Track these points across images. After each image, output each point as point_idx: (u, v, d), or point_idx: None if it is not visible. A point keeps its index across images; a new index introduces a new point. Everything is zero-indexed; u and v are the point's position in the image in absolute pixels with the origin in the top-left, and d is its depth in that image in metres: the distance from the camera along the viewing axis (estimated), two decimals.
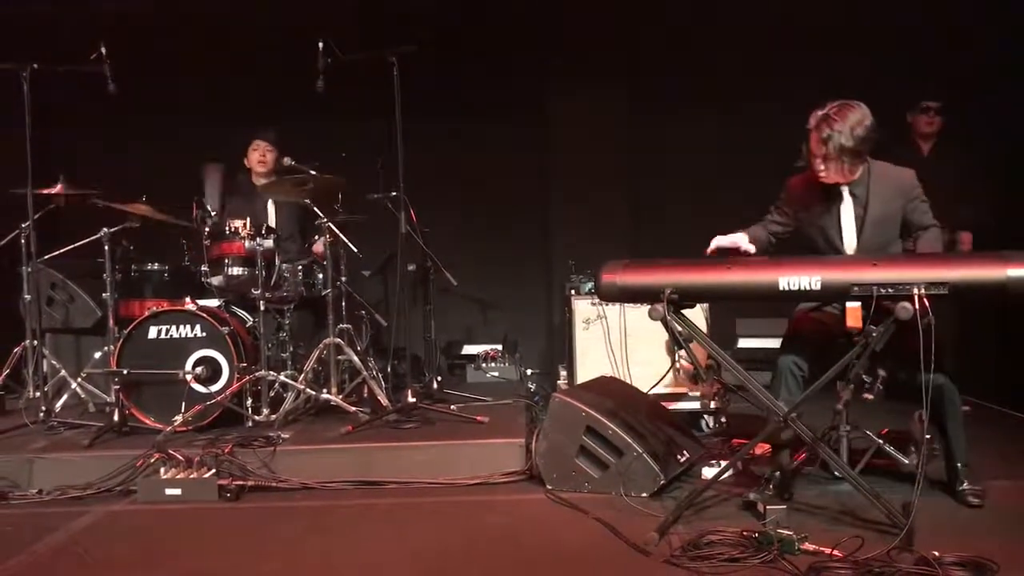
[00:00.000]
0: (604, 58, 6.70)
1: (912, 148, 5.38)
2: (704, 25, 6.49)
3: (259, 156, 5.54)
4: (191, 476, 4.05)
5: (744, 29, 6.41)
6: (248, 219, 5.03)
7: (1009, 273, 3.15)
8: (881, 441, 3.70)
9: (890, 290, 3.22)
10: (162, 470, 4.10)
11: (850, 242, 3.80)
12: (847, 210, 3.80)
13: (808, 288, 3.35)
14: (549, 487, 3.98)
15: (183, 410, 4.62)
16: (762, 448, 4.22)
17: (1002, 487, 3.79)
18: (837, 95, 3.73)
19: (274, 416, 4.76)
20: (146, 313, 4.86)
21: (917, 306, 3.13)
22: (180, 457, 4.14)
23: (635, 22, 6.58)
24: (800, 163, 3.93)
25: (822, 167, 3.72)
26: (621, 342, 5.23)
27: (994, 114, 5.79)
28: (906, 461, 3.56)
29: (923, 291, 3.16)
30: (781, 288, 3.39)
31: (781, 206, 3.99)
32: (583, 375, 5.19)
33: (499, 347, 6.67)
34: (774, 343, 6.06)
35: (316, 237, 5.34)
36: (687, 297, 3.63)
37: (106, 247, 4.91)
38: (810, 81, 6.03)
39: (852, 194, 3.79)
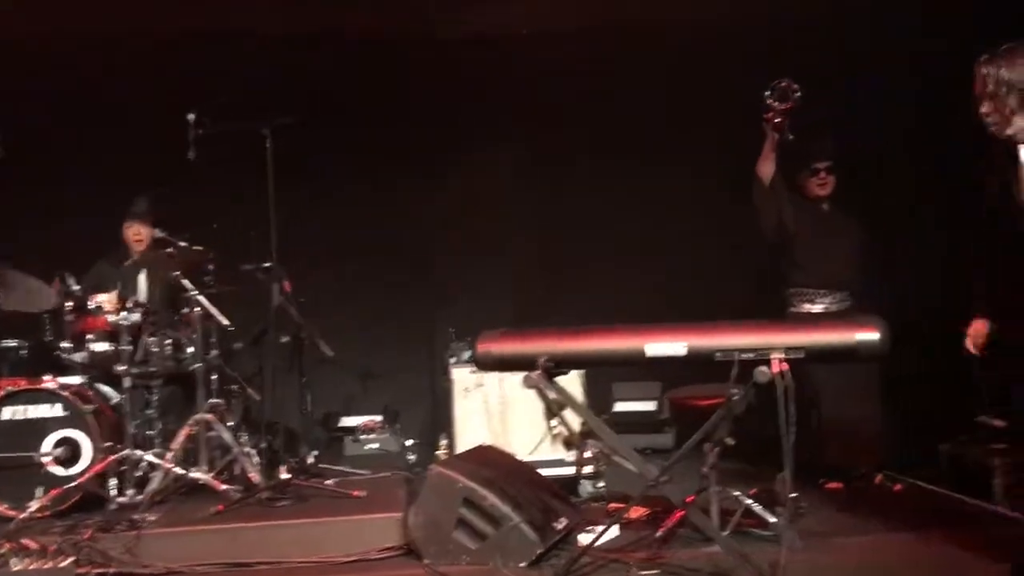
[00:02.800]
0: (489, 126, 6.81)
1: (811, 202, 5.19)
2: (588, 103, 6.67)
3: (133, 234, 5.43)
4: (46, 566, 3.81)
5: (629, 101, 6.62)
6: (115, 292, 4.87)
7: (858, 337, 3.34)
8: (749, 501, 3.82)
9: (752, 355, 3.35)
10: (13, 561, 3.85)
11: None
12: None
13: (673, 354, 3.46)
14: (427, 561, 3.92)
15: (40, 495, 4.38)
16: (638, 512, 4.28)
17: (862, 543, 3.93)
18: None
19: (140, 497, 4.55)
20: (0, 393, 4.62)
21: (775, 369, 3.26)
22: (35, 546, 3.90)
23: (526, 90, 6.72)
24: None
25: (984, 110, 3.33)
26: (500, 410, 5.24)
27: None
28: (772, 520, 3.67)
29: (782, 355, 3.31)
30: (648, 354, 3.49)
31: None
32: (463, 444, 5.17)
33: (379, 418, 6.57)
34: (650, 406, 6.32)
35: (185, 311, 5.19)
36: (561, 364, 3.70)
37: None
38: (701, 149, 6.37)
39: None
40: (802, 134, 4.66)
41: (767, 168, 4.91)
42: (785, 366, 3.27)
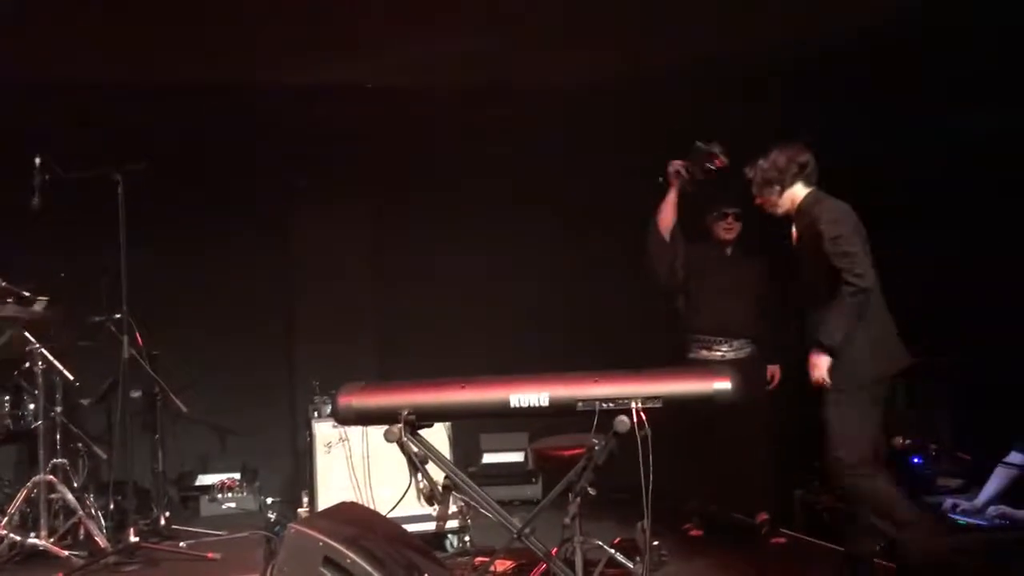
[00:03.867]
0: (348, 181, 6.76)
1: (717, 246, 5.21)
2: (453, 152, 6.74)
3: None
4: None
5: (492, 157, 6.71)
6: None
7: (715, 386, 3.43)
8: (612, 551, 3.84)
9: (611, 404, 3.40)
10: None
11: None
12: (795, 233, 4.20)
13: (537, 404, 3.48)
14: None
15: None
16: (503, 565, 4.25)
17: None
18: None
19: None
20: None
21: (635, 419, 3.31)
22: None
23: (382, 146, 6.72)
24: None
25: (759, 202, 4.19)
26: (364, 465, 5.14)
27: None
28: (632, 567, 3.70)
29: (640, 404, 3.36)
30: (512, 405, 3.49)
31: None
32: (326, 500, 5.04)
33: (237, 476, 6.33)
34: (517, 456, 6.33)
35: (27, 365, 4.89)
36: (425, 417, 3.66)
37: None
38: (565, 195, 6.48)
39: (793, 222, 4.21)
40: (711, 178, 4.81)
41: (668, 217, 5.02)
42: (643, 415, 3.33)
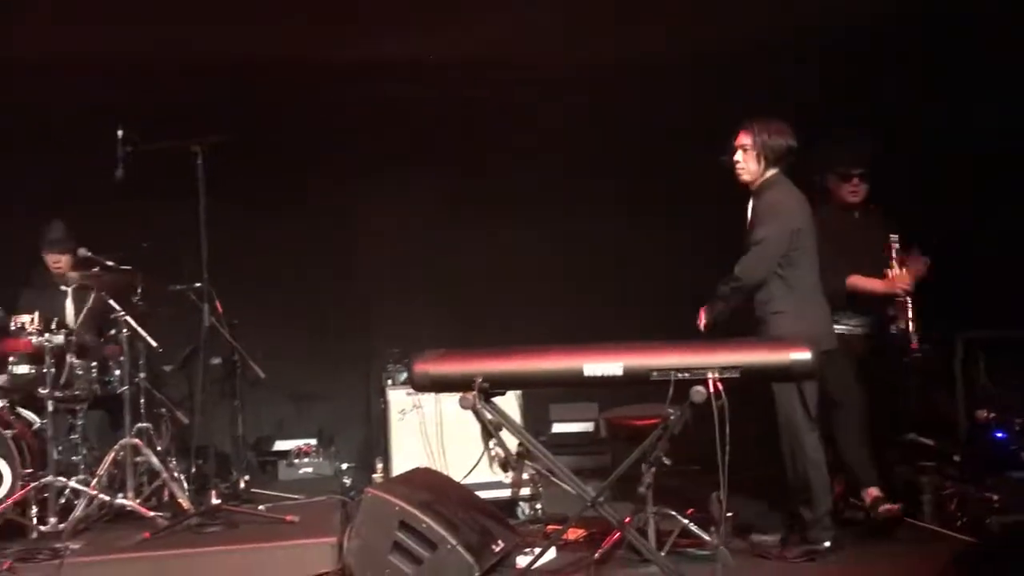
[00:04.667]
0: (418, 146, 6.80)
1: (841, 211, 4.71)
2: (521, 126, 6.71)
3: (53, 261, 5.31)
4: None
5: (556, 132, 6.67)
6: (37, 313, 4.72)
7: (792, 356, 3.39)
8: (686, 521, 3.84)
9: (687, 374, 3.38)
10: None
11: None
12: (750, 208, 4.21)
13: (611, 374, 3.47)
14: None
15: None
16: (576, 533, 4.27)
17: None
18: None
19: (62, 526, 4.39)
20: None
21: (711, 389, 3.29)
22: None
23: (450, 120, 6.73)
24: (724, 157, 4.24)
25: (739, 156, 4.16)
26: (437, 432, 5.20)
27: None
28: (709, 540, 3.69)
29: (716, 375, 3.34)
30: (586, 374, 3.50)
31: None
32: (399, 467, 5.12)
33: (313, 441, 6.47)
34: (587, 427, 6.33)
35: (112, 332, 5.04)
36: (497, 385, 3.69)
37: None
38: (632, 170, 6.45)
39: (753, 194, 4.20)
40: (838, 137, 4.69)
41: None
42: (720, 385, 3.30)
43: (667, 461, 3.52)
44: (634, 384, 3.63)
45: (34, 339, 4.65)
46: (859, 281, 4.54)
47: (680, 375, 3.37)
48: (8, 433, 4.47)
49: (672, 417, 3.37)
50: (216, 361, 5.51)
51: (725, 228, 4.50)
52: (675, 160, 6.27)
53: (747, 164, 4.15)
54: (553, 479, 3.99)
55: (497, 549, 4.09)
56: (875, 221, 4.70)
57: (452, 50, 6.26)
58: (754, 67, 5.95)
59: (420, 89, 6.56)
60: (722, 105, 5.56)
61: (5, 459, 4.43)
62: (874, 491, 4.32)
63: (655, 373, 3.42)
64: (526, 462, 3.96)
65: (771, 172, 4.14)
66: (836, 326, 4.41)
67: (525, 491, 4.96)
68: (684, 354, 3.43)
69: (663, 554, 3.69)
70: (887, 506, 4.24)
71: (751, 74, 5.99)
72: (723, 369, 3.35)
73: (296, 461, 6.27)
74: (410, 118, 6.69)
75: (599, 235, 6.76)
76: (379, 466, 5.47)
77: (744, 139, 4.14)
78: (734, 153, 4.18)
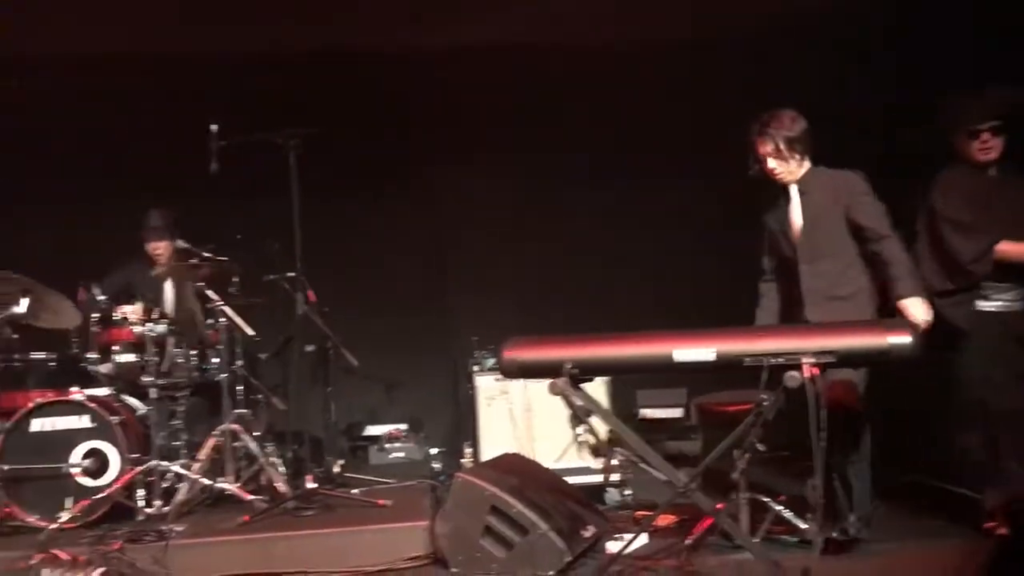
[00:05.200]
0: (498, 134, 6.81)
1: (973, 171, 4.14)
2: (603, 107, 6.66)
3: (152, 248, 5.46)
4: None
5: (640, 112, 6.61)
6: (139, 304, 4.89)
7: (890, 340, 3.29)
8: (780, 508, 3.78)
9: (781, 359, 3.32)
10: (44, 572, 3.87)
11: (797, 232, 4.02)
12: (795, 205, 4.03)
13: (702, 359, 3.43)
14: (454, 570, 3.91)
15: (69, 506, 4.40)
16: (666, 519, 4.25)
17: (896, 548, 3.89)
18: None
19: (167, 508, 4.56)
20: (30, 405, 4.65)
21: (805, 374, 3.22)
22: (65, 557, 3.92)
23: (528, 100, 6.72)
24: (752, 170, 4.09)
25: (773, 163, 3.98)
26: (525, 418, 5.23)
27: None
28: (804, 527, 3.63)
29: (811, 360, 3.27)
30: (676, 360, 3.46)
31: (765, 242, 4.23)
32: (488, 452, 5.16)
33: (403, 427, 6.57)
34: (676, 412, 6.28)
35: (210, 321, 5.19)
36: (586, 371, 3.69)
37: None
38: (716, 156, 6.35)
39: (800, 191, 4.02)
40: (964, 91, 4.28)
41: None
42: (816, 371, 3.23)
43: (760, 447, 3.47)
44: (726, 370, 3.58)
45: (136, 329, 4.81)
46: (1010, 248, 3.92)
47: (774, 360, 3.31)
48: (114, 419, 4.63)
49: (766, 403, 3.31)
50: (310, 349, 5.62)
51: None
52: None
53: (784, 167, 3.99)
54: (643, 465, 3.99)
55: (587, 535, 4.10)
56: (1016, 180, 4.11)
57: (531, 32, 6.26)
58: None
59: (502, 73, 6.56)
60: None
61: (112, 444, 4.61)
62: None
63: (748, 359, 3.36)
64: (615, 448, 3.95)
65: (807, 162, 4.01)
66: (985, 302, 3.97)
67: (614, 477, 4.94)
68: (778, 339, 3.37)
69: (756, 540, 3.64)
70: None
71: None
72: (818, 354, 3.28)
73: (387, 446, 6.37)
74: (494, 103, 6.68)
75: (688, 217, 6.66)
76: (468, 451, 5.52)
77: (766, 147, 3.98)
78: (761, 163, 4.01)
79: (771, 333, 3.44)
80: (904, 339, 3.26)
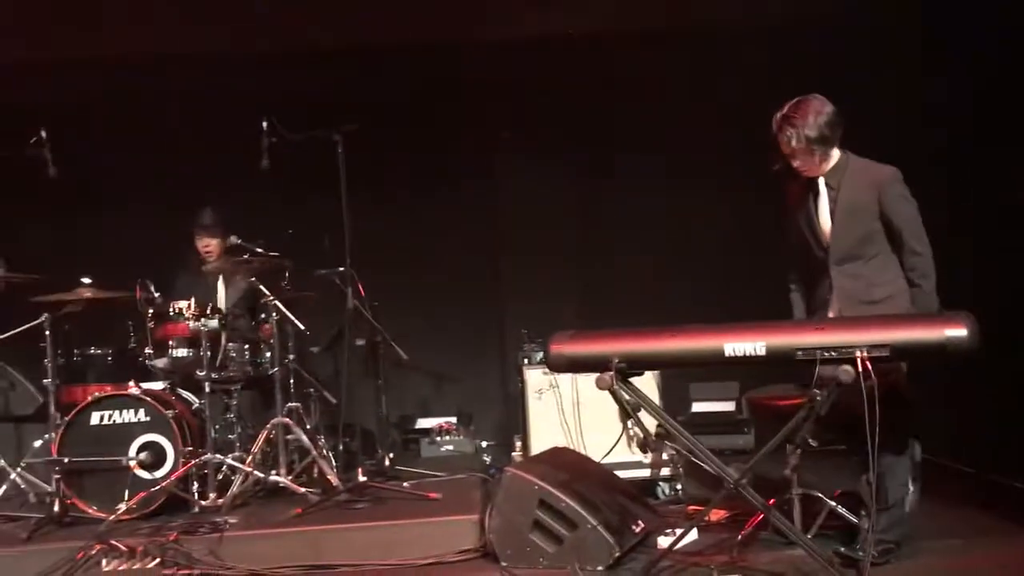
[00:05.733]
0: (554, 132, 6.79)
1: None
2: (657, 102, 6.61)
3: (203, 246, 5.54)
4: (135, 567, 3.90)
5: (694, 106, 6.53)
6: (192, 299, 4.97)
7: (947, 333, 3.20)
8: (834, 503, 3.72)
9: (833, 353, 3.25)
10: (104, 561, 3.95)
11: (826, 230, 3.78)
12: (823, 201, 3.80)
13: (753, 353, 3.38)
14: (504, 564, 3.91)
15: (127, 498, 4.49)
16: (718, 514, 4.20)
17: (953, 546, 3.80)
18: None
19: (221, 500, 4.63)
20: (88, 399, 4.75)
21: (860, 368, 3.16)
22: (123, 547, 4.01)
23: (585, 98, 6.69)
24: (777, 166, 3.88)
25: (797, 163, 3.75)
26: (574, 411, 5.21)
27: None
28: (858, 522, 3.56)
29: (865, 353, 3.20)
30: (727, 354, 3.41)
31: (790, 239, 3.96)
32: (537, 446, 5.15)
33: (453, 420, 6.59)
34: (728, 406, 6.21)
35: (263, 316, 5.25)
36: (635, 365, 3.65)
37: (47, 332, 4.81)
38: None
39: (828, 185, 3.79)
40: None
41: None
42: (869, 365, 3.16)
43: (813, 443, 3.41)
44: (778, 364, 3.52)
45: (191, 324, 4.89)
46: None
47: (826, 354, 3.24)
48: (170, 413, 4.71)
49: (819, 398, 3.25)
50: (360, 343, 5.67)
51: None
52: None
53: (808, 162, 3.74)
54: (694, 460, 3.94)
55: (637, 529, 4.07)
56: None
57: (594, 20, 6.24)
58: None
59: (552, 66, 6.54)
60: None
61: (168, 438, 4.69)
62: None
63: (800, 352, 3.30)
64: (666, 442, 3.92)
65: (836, 152, 3.76)
66: None
67: (665, 471, 4.91)
68: (831, 332, 3.30)
69: (809, 536, 3.58)
70: None
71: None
72: (872, 347, 3.20)
73: (437, 439, 6.40)
74: (543, 96, 6.67)
75: (743, 214, 6.55)
76: (517, 444, 5.52)
77: (789, 146, 3.71)
78: (786, 159, 3.77)
79: (824, 327, 3.37)
80: (960, 332, 3.17)
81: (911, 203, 3.69)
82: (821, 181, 3.79)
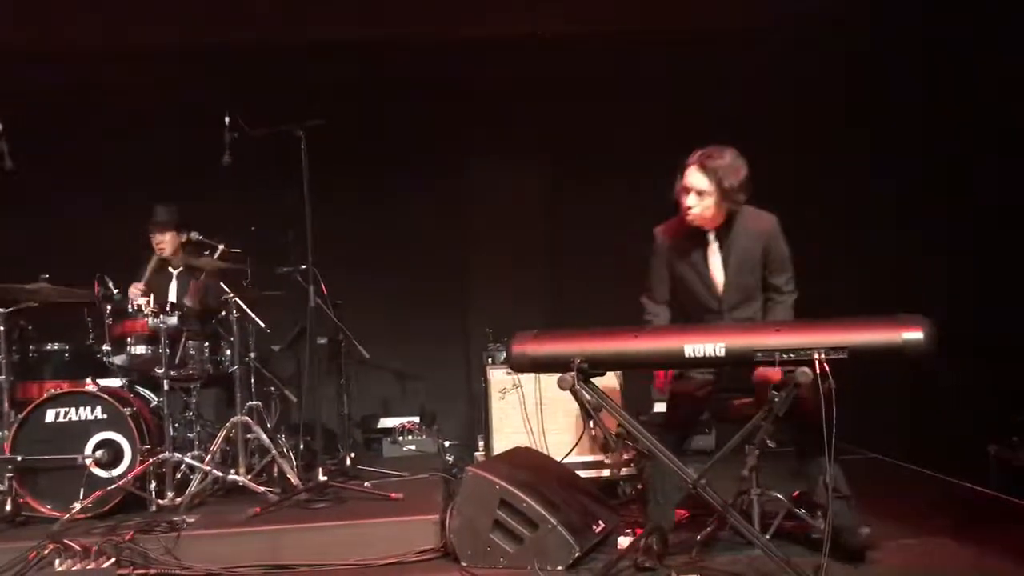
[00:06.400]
0: (523, 132, 6.80)
1: None
2: (622, 101, 6.64)
3: (155, 243, 5.50)
4: (88, 567, 3.85)
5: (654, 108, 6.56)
6: (152, 296, 4.91)
7: (904, 336, 3.25)
8: (791, 505, 3.74)
9: (792, 355, 3.28)
10: (57, 562, 3.89)
11: (718, 282, 3.88)
12: (714, 252, 3.88)
13: (712, 355, 3.40)
14: (464, 564, 3.90)
15: (82, 497, 4.43)
16: (679, 514, 4.22)
17: (908, 545, 3.84)
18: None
19: (179, 499, 4.58)
20: (44, 395, 4.68)
21: (817, 370, 3.19)
22: (77, 547, 3.95)
23: (555, 97, 6.71)
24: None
25: (693, 201, 3.75)
26: (537, 411, 5.22)
27: None
28: (816, 524, 3.59)
29: (823, 355, 3.23)
30: (686, 355, 3.43)
31: (655, 269, 4.03)
32: (500, 445, 5.16)
33: (417, 419, 6.57)
34: None
35: (222, 314, 5.19)
36: (597, 366, 3.66)
37: (0, 328, 4.73)
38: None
39: (717, 238, 3.85)
40: None
41: None
42: (827, 367, 3.19)
43: (771, 444, 3.44)
44: (737, 365, 3.55)
45: (150, 321, 4.83)
46: None
47: (785, 356, 3.27)
48: (127, 411, 4.66)
49: (776, 399, 3.28)
50: (322, 341, 5.64)
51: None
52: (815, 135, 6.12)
53: (708, 211, 3.77)
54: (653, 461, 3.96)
55: (598, 529, 4.08)
56: None
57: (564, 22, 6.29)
58: None
59: (526, 66, 6.56)
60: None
61: (125, 436, 4.63)
62: None
63: (759, 354, 3.33)
64: (626, 442, 3.92)
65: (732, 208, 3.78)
66: None
67: (625, 471, 4.92)
68: (790, 334, 3.33)
69: (767, 537, 3.60)
70: None
71: None
72: (830, 350, 3.24)
73: (400, 439, 6.37)
74: (507, 96, 6.67)
75: None
76: (480, 444, 5.52)
77: (700, 184, 3.73)
78: (679, 196, 3.80)
79: (783, 329, 3.39)
80: (917, 335, 3.21)
81: (786, 249, 3.86)
82: (710, 234, 3.85)
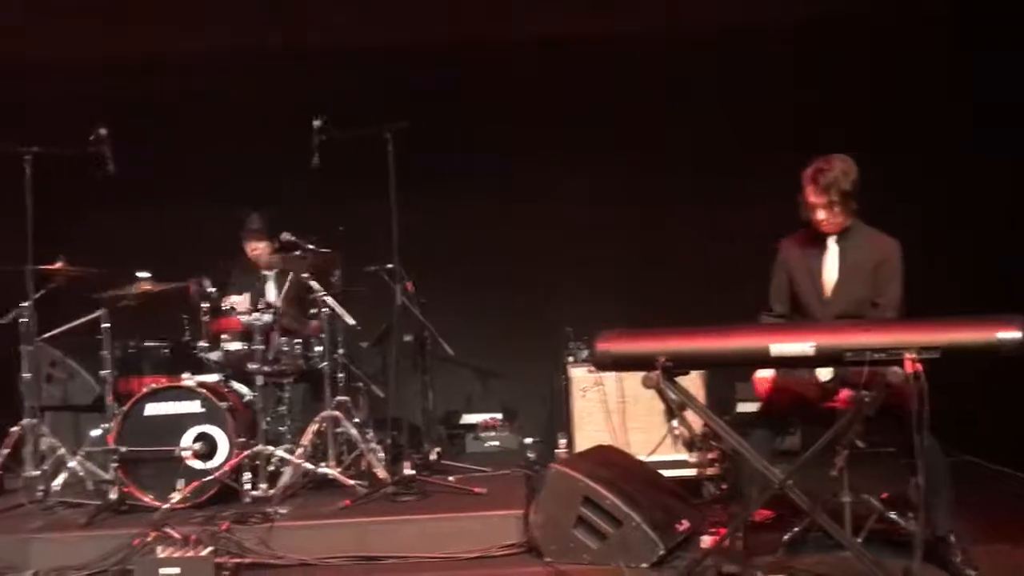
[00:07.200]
0: (600, 130, 6.80)
1: None
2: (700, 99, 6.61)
3: (251, 249, 5.64)
4: (188, 555, 3.99)
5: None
6: (247, 294, 5.06)
7: (999, 336, 3.17)
8: (882, 507, 3.69)
9: (883, 355, 3.23)
10: (159, 549, 4.05)
11: (829, 285, 3.89)
12: (831, 257, 3.89)
13: (801, 354, 3.36)
14: (548, 559, 3.94)
15: (180, 487, 4.60)
16: (762, 515, 4.19)
17: (999, 551, 3.75)
18: None
19: (272, 491, 4.72)
20: (144, 390, 4.87)
21: (909, 370, 3.13)
22: (177, 535, 4.11)
23: (637, 91, 6.70)
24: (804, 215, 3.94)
25: (823, 215, 3.82)
26: (619, 409, 5.23)
27: None
28: (907, 526, 3.53)
29: (915, 355, 3.17)
30: (773, 354, 3.40)
31: (775, 280, 4.07)
32: (582, 443, 5.18)
33: (498, 416, 6.63)
34: None
35: (313, 311, 5.33)
36: (681, 364, 3.64)
37: (105, 325, 4.93)
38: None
39: (839, 246, 3.88)
40: None
41: None
42: (919, 366, 3.13)
43: (860, 444, 3.39)
44: (825, 364, 3.50)
45: (243, 318, 4.99)
46: None
47: (876, 355, 3.22)
48: (223, 405, 4.82)
49: (867, 399, 3.23)
50: (408, 338, 5.72)
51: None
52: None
53: (834, 216, 3.83)
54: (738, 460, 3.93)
55: (681, 528, 4.08)
56: None
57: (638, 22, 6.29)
58: None
59: (608, 68, 6.58)
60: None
61: (221, 429, 4.80)
62: None
63: (849, 353, 3.28)
64: (711, 442, 3.92)
65: (851, 215, 3.86)
66: None
67: (710, 471, 4.90)
68: (880, 334, 3.28)
69: (859, 540, 3.56)
70: None
71: None
72: (922, 349, 3.18)
73: (482, 435, 6.44)
74: (595, 98, 6.69)
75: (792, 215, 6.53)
76: (562, 442, 5.54)
77: (822, 194, 3.79)
78: (810, 210, 3.85)
79: (874, 328, 3.34)
80: (1014, 335, 3.13)
81: (900, 280, 3.84)
82: (832, 239, 3.91)
